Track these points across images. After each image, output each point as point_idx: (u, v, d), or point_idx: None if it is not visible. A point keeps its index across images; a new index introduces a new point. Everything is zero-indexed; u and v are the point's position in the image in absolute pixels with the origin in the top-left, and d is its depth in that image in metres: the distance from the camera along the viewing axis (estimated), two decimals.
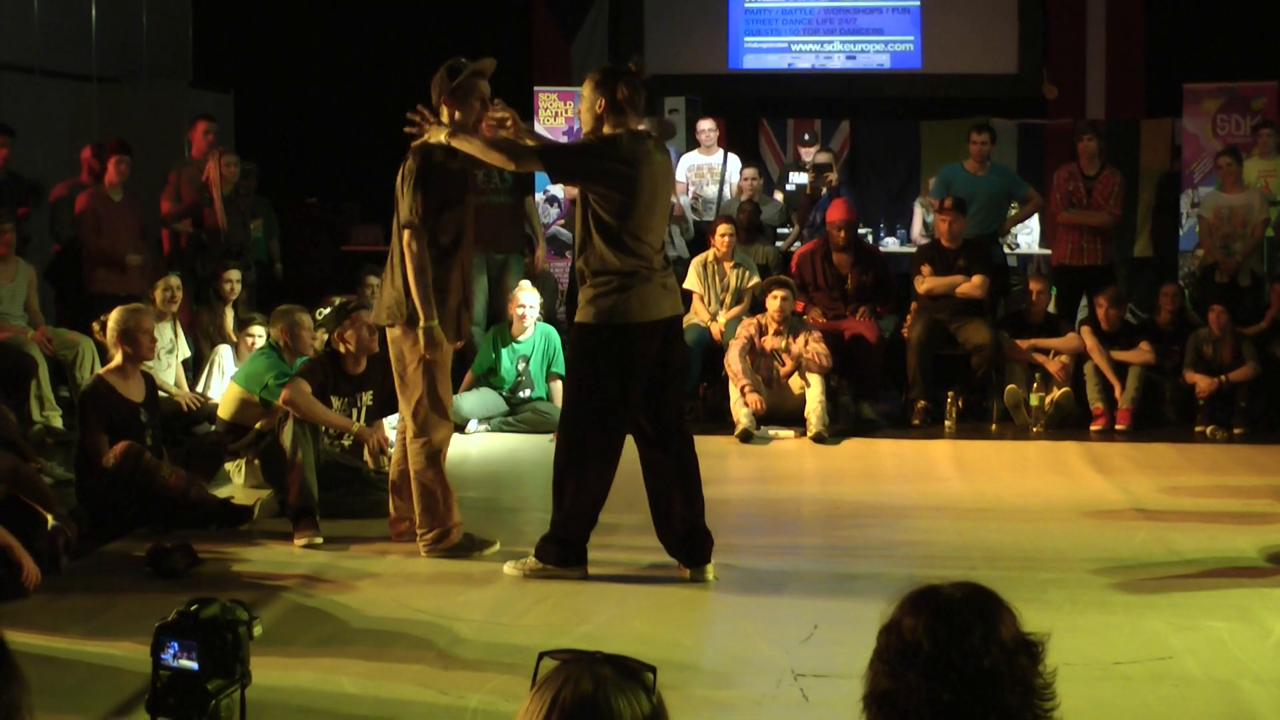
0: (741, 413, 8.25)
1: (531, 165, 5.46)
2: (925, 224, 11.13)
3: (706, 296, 9.28)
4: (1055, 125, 12.48)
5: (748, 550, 5.77)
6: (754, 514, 6.64)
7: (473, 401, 8.45)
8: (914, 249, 10.34)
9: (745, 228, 9.97)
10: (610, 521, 5.55)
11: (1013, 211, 10.10)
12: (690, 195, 10.71)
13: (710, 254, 9.36)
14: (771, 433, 8.36)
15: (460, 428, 8.25)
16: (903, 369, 9.07)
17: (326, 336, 6.71)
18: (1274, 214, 9.88)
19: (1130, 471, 7.43)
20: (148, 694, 2.93)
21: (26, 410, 7.62)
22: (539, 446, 7.60)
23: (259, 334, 7.73)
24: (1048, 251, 10.75)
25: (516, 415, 8.52)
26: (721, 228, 9.32)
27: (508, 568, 5.36)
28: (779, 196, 11.23)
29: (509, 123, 5.36)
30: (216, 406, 7.31)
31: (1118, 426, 8.54)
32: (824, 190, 10.34)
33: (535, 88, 11.46)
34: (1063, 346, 8.90)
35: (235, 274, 8.62)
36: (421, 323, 5.42)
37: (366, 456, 6.52)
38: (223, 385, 7.52)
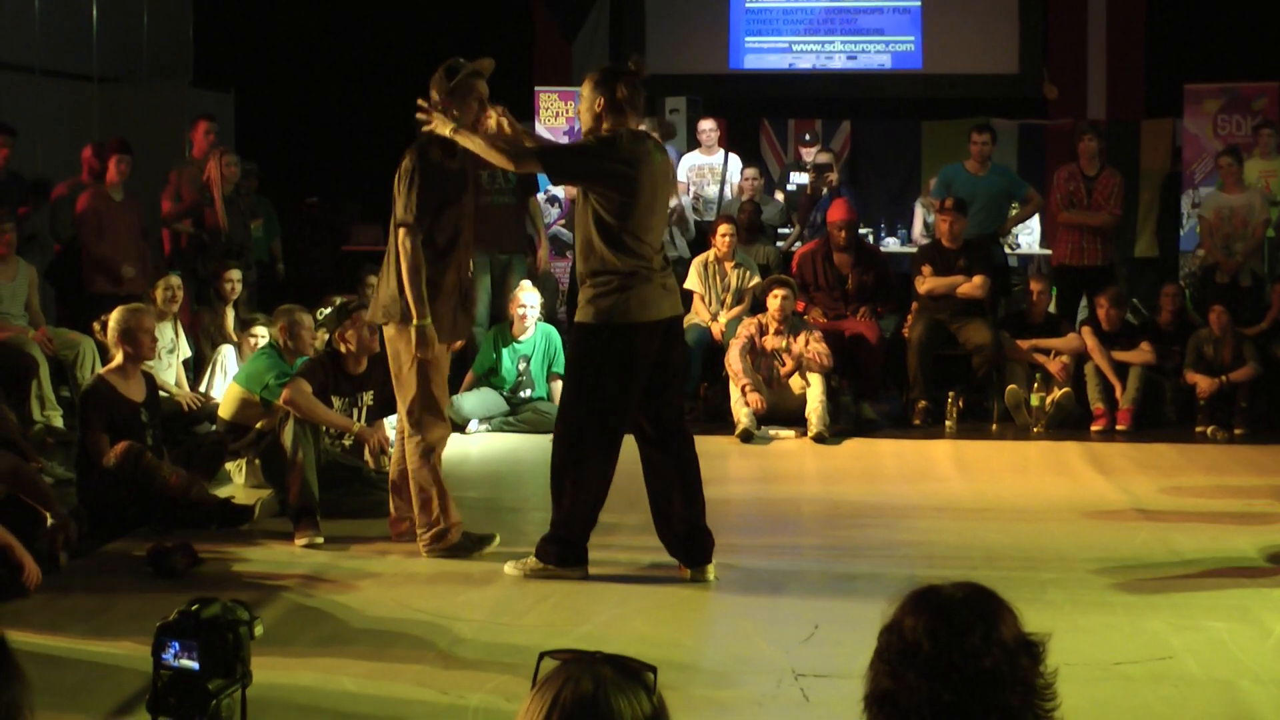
0: (742, 412, 8.25)
1: (531, 165, 5.46)
2: (926, 224, 11.13)
3: (707, 296, 9.29)
4: (1056, 125, 12.48)
5: (748, 550, 5.77)
6: (754, 514, 6.64)
7: (473, 401, 8.45)
8: (915, 249, 10.34)
9: (746, 228, 9.97)
10: (610, 521, 5.55)
11: (1013, 212, 10.10)
12: (691, 195, 10.71)
13: (711, 254, 9.36)
14: (772, 433, 8.36)
15: (461, 428, 8.27)
16: (903, 369, 9.07)
17: (327, 336, 6.72)
18: (1275, 214, 9.87)
19: (1131, 472, 7.43)
20: (149, 693, 2.93)
21: (27, 410, 7.63)
22: (539, 446, 7.58)
23: (262, 334, 7.72)
24: (1048, 252, 10.75)
25: (517, 415, 8.52)
26: (722, 228, 9.32)
27: (508, 568, 5.36)
28: (780, 196, 11.24)
29: (506, 125, 5.35)
30: (217, 406, 7.32)
31: (1118, 427, 8.54)
32: (825, 190, 10.34)
33: (536, 88, 11.47)
34: (1063, 347, 8.90)
35: (236, 274, 8.63)
36: (414, 321, 5.42)
37: (367, 456, 6.52)
38: (225, 385, 7.52)
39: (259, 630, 2.98)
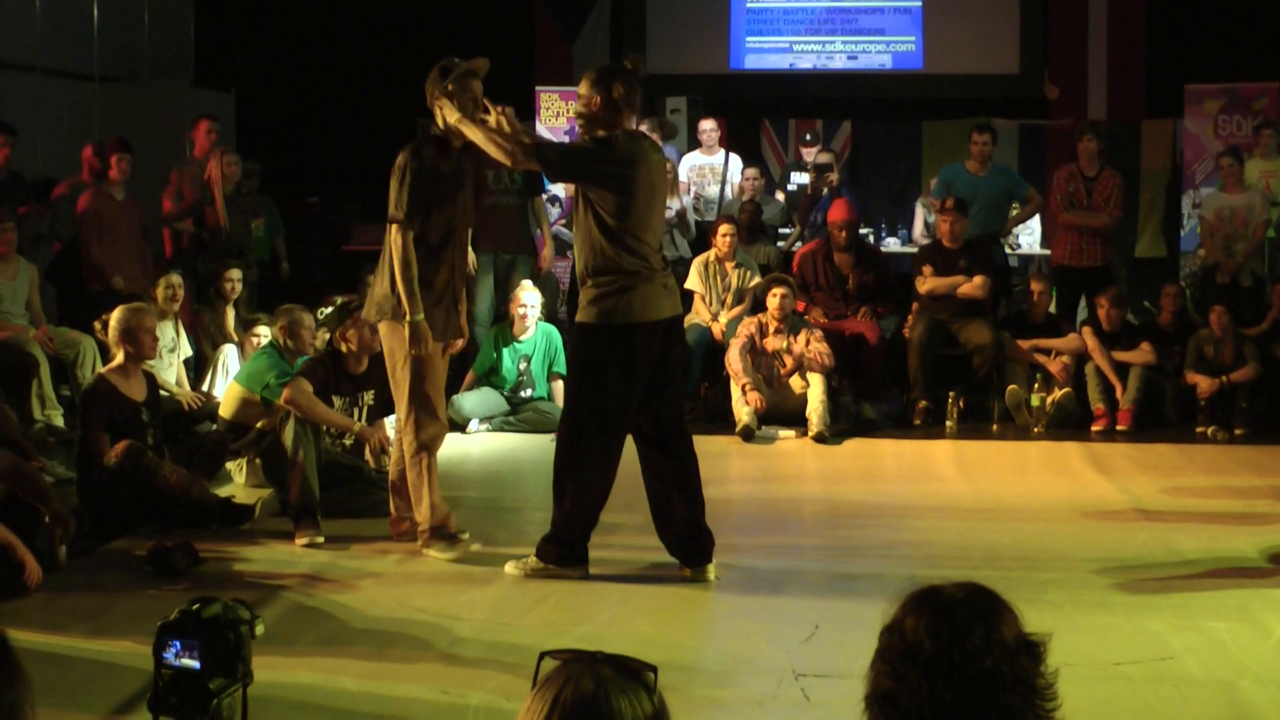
0: (743, 410, 8.26)
1: (530, 164, 5.46)
2: (926, 224, 11.13)
3: (708, 296, 9.29)
4: (1056, 126, 12.48)
5: (749, 550, 5.77)
6: (755, 514, 6.63)
7: (474, 401, 8.45)
8: (915, 249, 10.33)
9: (747, 228, 9.98)
10: (611, 521, 5.55)
11: (1014, 212, 10.10)
12: (692, 195, 10.71)
13: (712, 254, 9.36)
14: (773, 432, 8.36)
15: (462, 427, 8.27)
16: (904, 369, 9.07)
17: (328, 336, 6.72)
18: (1275, 215, 9.87)
19: (1131, 472, 7.43)
20: (150, 693, 2.93)
21: (28, 409, 7.63)
22: (540, 446, 7.60)
23: (264, 334, 7.73)
24: (1049, 252, 10.75)
25: (518, 415, 8.52)
26: (723, 228, 9.32)
27: (509, 567, 5.37)
28: (780, 196, 11.24)
29: (505, 124, 5.34)
30: (218, 405, 7.32)
31: (1119, 427, 8.54)
32: (825, 190, 10.34)
33: (537, 88, 11.48)
34: (1064, 347, 8.90)
35: (236, 273, 8.63)
36: (407, 317, 5.43)
37: (368, 456, 6.52)
38: (227, 385, 7.52)
39: (260, 630, 2.98)
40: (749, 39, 13.64)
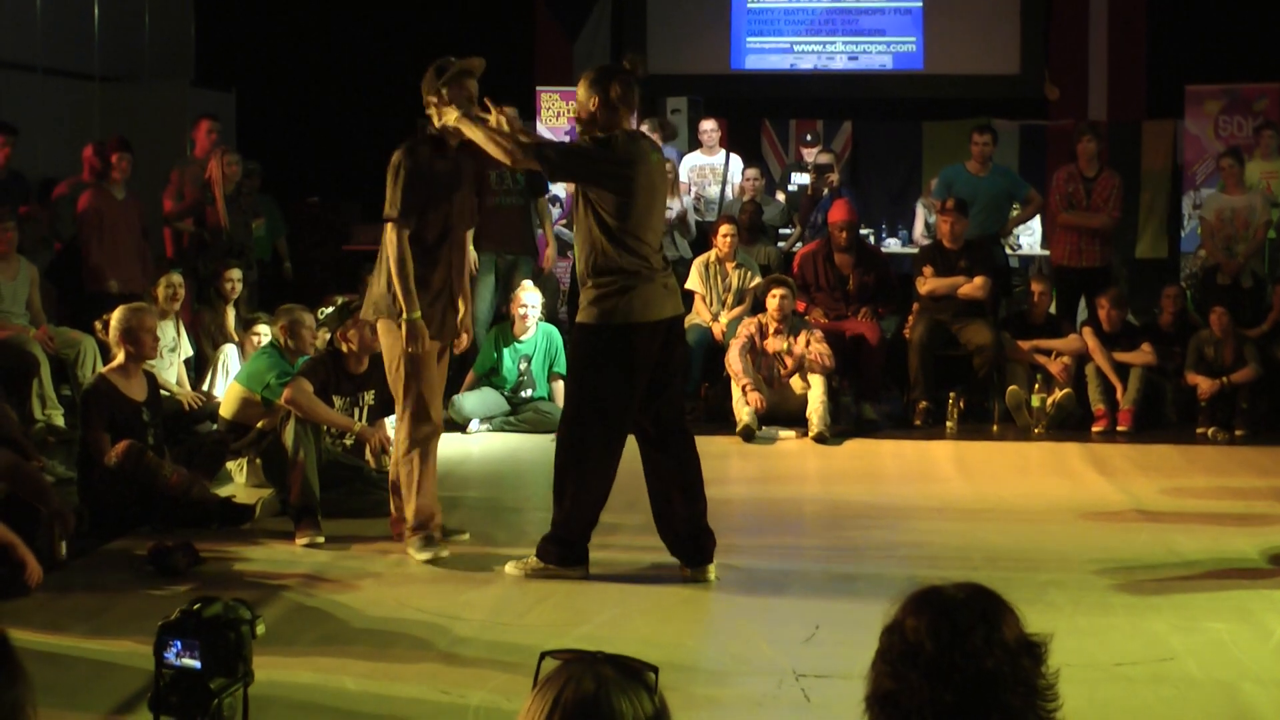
0: (743, 410, 8.26)
1: (529, 163, 5.45)
2: (927, 225, 11.13)
3: (708, 297, 9.29)
4: (1057, 126, 12.48)
5: (749, 550, 5.77)
6: (755, 514, 6.64)
7: (474, 401, 8.45)
8: (916, 250, 10.33)
9: (747, 228, 9.98)
10: (611, 521, 5.55)
11: (1014, 212, 10.10)
12: (692, 195, 10.71)
13: (712, 254, 9.37)
14: (773, 433, 8.36)
15: (462, 427, 8.27)
16: (904, 370, 9.06)
17: (328, 336, 6.72)
18: (1276, 215, 9.87)
19: (1132, 473, 7.43)
20: (150, 692, 2.93)
21: (28, 409, 7.63)
22: (540, 446, 7.60)
23: (264, 334, 7.73)
24: (1049, 252, 10.75)
25: (518, 415, 8.52)
26: (723, 228, 9.32)
27: (509, 567, 5.36)
28: (781, 197, 11.24)
29: (505, 123, 5.34)
30: (218, 405, 7.32)
31: (1119, 428, 8.54)
32: (826, 191, 10.34)
33: (538, 87, 11.47)
34: (1064, 347, 8.90)
35: (236, 273, 8.63)
36: (404, 315, 5.43)
37: (368, 456, 6.52)
38: (227, 384, 7.52)
39: (261, 629, 2.98)
40: (750, 39, 13.64)
